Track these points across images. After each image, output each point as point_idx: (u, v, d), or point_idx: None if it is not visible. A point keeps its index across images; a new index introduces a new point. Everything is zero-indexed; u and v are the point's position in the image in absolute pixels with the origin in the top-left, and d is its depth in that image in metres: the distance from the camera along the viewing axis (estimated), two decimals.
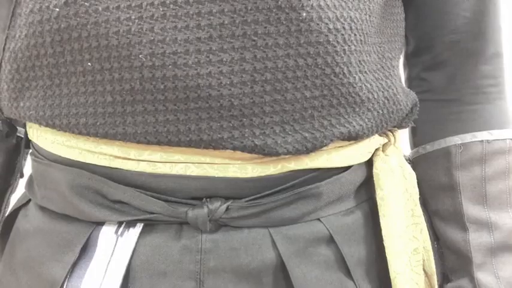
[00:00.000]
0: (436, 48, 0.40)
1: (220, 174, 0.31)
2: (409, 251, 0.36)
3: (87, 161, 0.31)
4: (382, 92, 0.34)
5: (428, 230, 0.40)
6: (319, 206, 0.33)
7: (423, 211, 0.40)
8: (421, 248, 0.37)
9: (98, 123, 0.29)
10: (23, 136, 0.40)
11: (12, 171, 0.41)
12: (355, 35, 0.30)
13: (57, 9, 0.27)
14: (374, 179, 0.36)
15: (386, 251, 0.35)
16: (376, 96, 0.33)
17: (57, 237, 0.33)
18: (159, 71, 0.27)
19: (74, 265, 0.32)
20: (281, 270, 0.32)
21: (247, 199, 0.31)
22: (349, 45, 0.30)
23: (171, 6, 0.27)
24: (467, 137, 0.38)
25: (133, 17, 0.27)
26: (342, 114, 0.31)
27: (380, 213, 0.35)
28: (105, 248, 0.31)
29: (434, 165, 0.40)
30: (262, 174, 0.31)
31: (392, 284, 0.34)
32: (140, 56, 0.27)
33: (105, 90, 0.29)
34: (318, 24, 0.28)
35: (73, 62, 0.28)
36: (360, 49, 0.31)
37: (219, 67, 0.27)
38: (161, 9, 0.27)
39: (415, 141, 0.43)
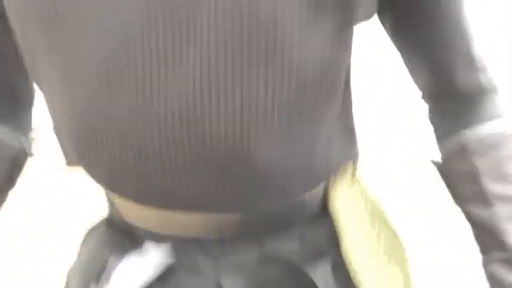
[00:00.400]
0: (443, 90, 0.43)
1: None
2: (374, 252, 0.43)
3: (130, 220, 0.42)
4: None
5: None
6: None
7: (455, 202, 0.46)
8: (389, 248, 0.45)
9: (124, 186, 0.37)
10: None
11: (17, 174, 0.48)
12: None
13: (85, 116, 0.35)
14: (330, 203, 0.44)
15: (349, 255, 0.42)
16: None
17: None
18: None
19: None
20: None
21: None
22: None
23: (163, 124, 0.33)
24: (479, 128, 0.42)
25: (140, 122, 0.33)
26: (300, 192, 0.40)
27: (339, 229, 0.43)
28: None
29: (455, 158, 0.43)
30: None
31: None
32: (142, 144, 0.33)
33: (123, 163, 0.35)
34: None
35: (102, 150, 0.35)
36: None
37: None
38: (156, 121, 0.33)
39: (438, 143, 0.47)
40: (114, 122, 0.33)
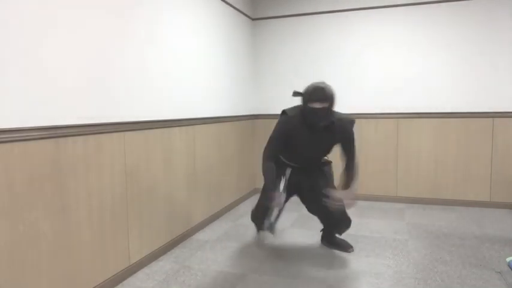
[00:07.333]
0: None
1: None
2: None
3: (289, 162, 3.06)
4: None
5: None
6: None
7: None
8: None
9: None
10: None
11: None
12: None
13: None
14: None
15: None
16: None
17: None
18: None
19: None
20: None
21: None
22: None
23: None
24: (349, 170, 2.96)
25: (302, 159, 3.17)
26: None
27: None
28: None
29: (344, 174, 2.95)
30: None
31: None
32: None
33: None
34: None
35: (294, 159, 3.10)
36: None
37: None
38: None
39: (343, 171, 2.95)
40: (298, 160, 2.97)
